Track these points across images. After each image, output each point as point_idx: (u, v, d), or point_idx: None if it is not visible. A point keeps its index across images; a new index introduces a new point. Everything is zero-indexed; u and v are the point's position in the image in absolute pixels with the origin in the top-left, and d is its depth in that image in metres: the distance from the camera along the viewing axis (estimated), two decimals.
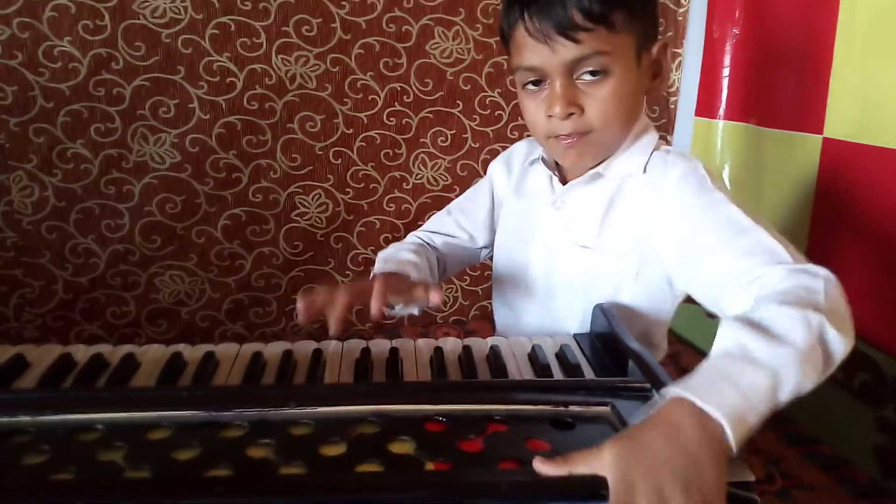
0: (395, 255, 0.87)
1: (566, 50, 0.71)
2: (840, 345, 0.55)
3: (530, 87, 0.77)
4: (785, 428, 1.27)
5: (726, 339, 0.55)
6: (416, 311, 0.80)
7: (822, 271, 0.61)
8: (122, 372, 0.69)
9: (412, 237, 0.99)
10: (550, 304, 0.87)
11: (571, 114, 0.74)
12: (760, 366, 0.51)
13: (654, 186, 0.78)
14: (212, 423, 0.57)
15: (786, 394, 0.52)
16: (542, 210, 0.87)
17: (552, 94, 0.74)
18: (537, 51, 0.73)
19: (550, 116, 0.75)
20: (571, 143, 0.77)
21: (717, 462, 0.46)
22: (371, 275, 0.84)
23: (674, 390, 0.50)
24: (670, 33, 1.67)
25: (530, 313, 0.90)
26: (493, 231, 0.98)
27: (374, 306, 0.67)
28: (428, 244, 0.97)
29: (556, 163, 0.85)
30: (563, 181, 0.85)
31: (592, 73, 0.72)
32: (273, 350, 0.74)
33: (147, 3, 1.42)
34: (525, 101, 0.79)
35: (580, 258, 0.82)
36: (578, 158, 0.80)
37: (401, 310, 0.78)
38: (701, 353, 1.58)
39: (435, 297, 0.71)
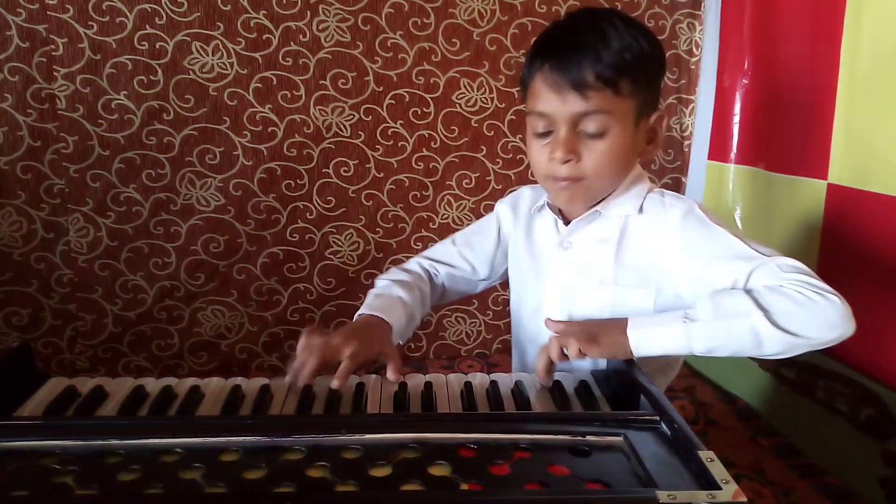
0: (387, 291, 0.96)
1: (575, 103, 0.81)
2: (772, 336, 0.73)
3: (539, 133, 0.86)
4: (796, 460, 1.31)
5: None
6: (399, 341, 0.91)
7: (811, 281, 0.75)
8: (190, 402, 0.78)
9: (415, 264, 1.06)
10: None
11: (570, 160, 0.83)
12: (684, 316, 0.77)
13: (656, 224, 0.87)
14: (274, 447, 0.65)
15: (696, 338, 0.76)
16: (550, 252, 0.95)
17: (556, 140, 0.83)
18: (550, 100, 0.82)
19: (552, 159, 0.84)
20: (565, 186, 0.86)
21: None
22: (357, 313, 0.93)
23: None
24: (683, 81, 1.77)
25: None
26: (493, 266, 1.05)
27: (338, 379, 0.79)
28: (429, 272, 1.04)
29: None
30: (567, 223, 0.93)
31: (593, 131, 0.82)
32: (322, 383, 0.82)
33: (196, 60, 1.55)
34: (532, 144, 0.88)
35: (599, 294, 0.90)
36: (570, 200, 0.89)
37: None
38: (715, 387, 1.63)
39: (391, 376, 0.82)
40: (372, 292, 0.98)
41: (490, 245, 1.05)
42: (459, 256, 1.05)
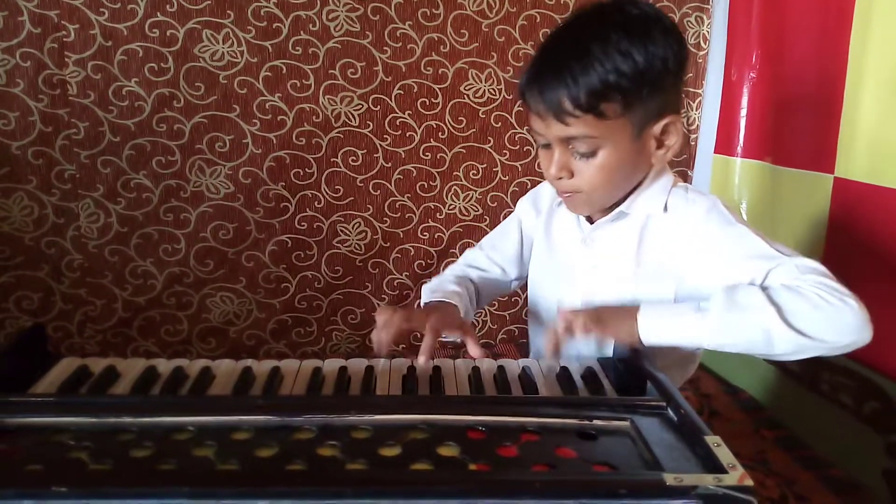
0: (442, 286, 0.97)
1: (558, 128, 0.80)
2: (783, 334, 0.72)
3: (541, 144, 0.87)
4: (799, 452, 1.32)
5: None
6: (459, 340, 0.89)
7: (830, 283, 0.74)
8: (202, 382, 0.79)
9: (450, 271, 1.07)
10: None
11: (562, 177, 0.84)
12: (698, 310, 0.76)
13: (678, 222, 0.87)
14: (285, 426, 0.65)
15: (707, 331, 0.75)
16: (571, 247, 0.95)
17: (551, 156, 0.84)
18: (536, 122, 0.83)
19: (549, 172, 0.85)
20: (566, 197, 0.88)
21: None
22: (418, 304, 0.94)
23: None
24: (691, 74, 1.76)
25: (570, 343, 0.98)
26: (522, 264, 1.06)
27: (425, 353, 0.79)
28: (465, 275, 1.05)
29: None
30: (590, 220, 0.93)
31: (584, 151, 0.81)
32: (330, 366, 0.83)
33: (207, 48, 1.56)
34: (539, 152, 0.88)
35: (620, 290, 0.90)
36: (573, 209, 0.91)
37: (448, 338, 0.88)
38: (719, 379, 1.64)
39: (475, 352, 0.83)
40: (426, 291, 0.99)
41: (514, 245, 1.06)
42: (488, 260, 1.06)
